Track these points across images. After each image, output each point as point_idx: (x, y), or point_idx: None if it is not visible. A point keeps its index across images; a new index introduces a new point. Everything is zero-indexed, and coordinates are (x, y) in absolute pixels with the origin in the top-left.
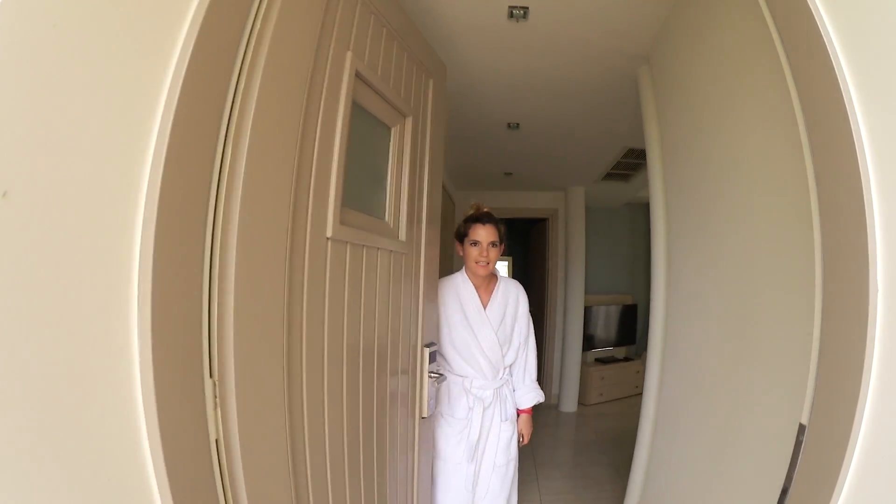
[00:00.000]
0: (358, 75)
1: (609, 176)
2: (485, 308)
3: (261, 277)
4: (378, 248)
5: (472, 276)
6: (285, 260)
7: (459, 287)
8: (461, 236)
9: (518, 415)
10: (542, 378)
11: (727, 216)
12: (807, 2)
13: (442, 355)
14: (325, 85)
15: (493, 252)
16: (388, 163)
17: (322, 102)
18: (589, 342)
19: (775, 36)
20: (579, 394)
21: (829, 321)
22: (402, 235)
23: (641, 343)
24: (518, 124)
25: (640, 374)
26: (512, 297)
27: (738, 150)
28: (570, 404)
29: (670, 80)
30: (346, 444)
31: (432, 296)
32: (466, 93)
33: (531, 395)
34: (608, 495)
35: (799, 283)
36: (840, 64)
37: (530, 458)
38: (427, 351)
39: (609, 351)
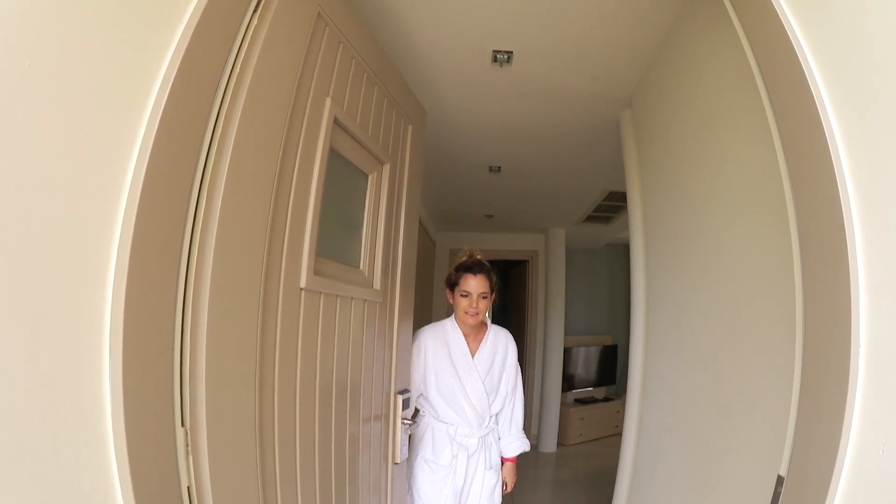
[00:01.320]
0: (336, 122)
1: (590, 218)
2: (473, 356)
3: (233, 328)
4: (352, 298)
5: (462, 324)
6: (258, 310)
7: (448, 334)
8: (452, 284)
9: (503, 463)
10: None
11: (705, 259)
12: (791, 45)
13: (428, 401)
14: (302, 132)
15: (484, 303)
16: (364, 211)
17: (299, 150)
18: (569, 382)
19: (758, 79)
20: (559, 434)
21: (809, 372)
22: (377, 284)
23: (621, 383)
24: (500, 167)
25: (620, 414)
26: (501, 345)
27: (717, 191)
28: (549, 444)
29: (651, 123)
30: (318, 489)
31: (407, 343)
32: (449, 136)
33: (516, 445)
34: None
35: (779, 329)
36: (825, 105)
37: (508, 500)
38: (400, 398)
39: (589, 391)
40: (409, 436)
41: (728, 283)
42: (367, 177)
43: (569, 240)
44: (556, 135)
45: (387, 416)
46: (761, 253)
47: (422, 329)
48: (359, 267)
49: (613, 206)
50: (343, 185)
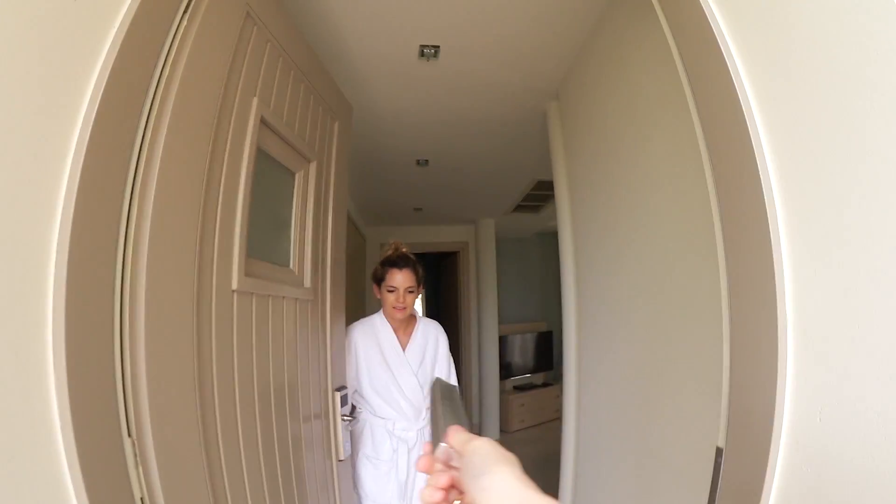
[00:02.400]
0: (263, 122)
1: (519, 208)
2: (404, 350)
3: (170, 333)
4: (284, 297)
5: (390, 318)
6: (193, 314)
7: (378, 329)
8: (378, 280)
9: None
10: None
11: (629, 236)
12: (713, 33)
13: (363, 398)
14: (230, 133)
15: (411, 297)
16: (292, 210)
17: (227, 151)
18: (507, 370)
19: (677, 57)
20: (500, 421)
21: (738, 341)
22: (307, 282)
23: (559, 368)
24: (427, 160)
25: (560, 399)
26: (431, 337)
27: (640, 169)
28: (492, 432)
29: (577, 114)
30: (267, 490)
31: (340, 340)
32: (376, 130)
33: None
34: None
35: (711, 298)
36: (747, 97)
37: None
38: (338, 395)
39: (527, 378)
40: (350, 433)
41: (653, 260)
42: (294, 175)
43: (499, 229)
44: (484, 127)
45: (327, 414)
46: (686, 224)
47: (351, 325)
48: (289, 266)
49: (542, 195)
50: (271, 184)
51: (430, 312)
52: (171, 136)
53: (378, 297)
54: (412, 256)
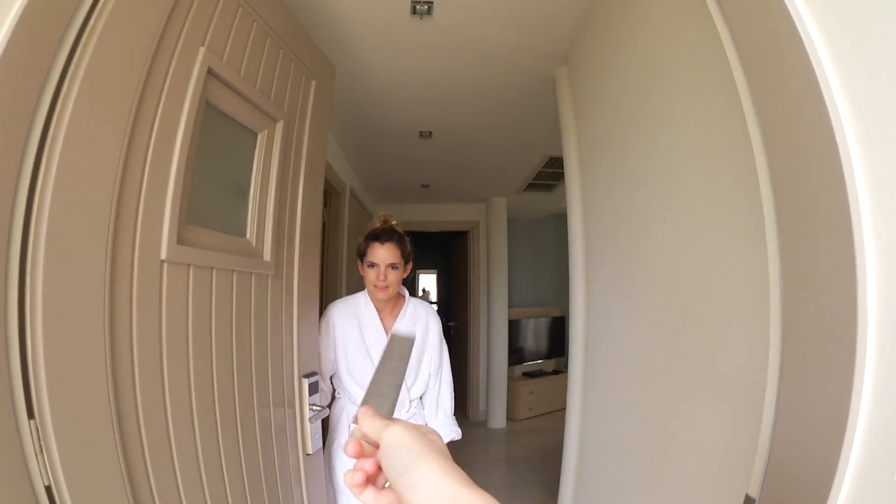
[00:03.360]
0: (212, 73)
1: (531, 186)
2: (387, 333)
3: (72, 306)
4: (234, 271)
5: (374, 298)
6: (104, 286)
7: (360, 309)
8: (361, 255)
9: None
10: (468, 394)
11: (650, 222)
12: None
13: (341, 383)
14: (166, 83)
15: (394, 275)
16: (251, 173)
17: (161, 103)
18: (517, 356)
19: (720, 23)
20: (508, 409)
21: (793, 365)
22: (268, 255)
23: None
24: (430, 132)
25: None
26: (421, 322)
27: (663, 147)
28: (498, 420)
29: (589, 80)
30: (229, 486)
31: (311, 321)
32: (374, 99)
33: (445, 432)
34: None
35: (742, 303)
36: (809, 33)
37: None
38: (306, 382)
39: (538, 364)
40: (327, 420)
41: (675, 245)
42: (255, 135)
43: (511, 210)
44: (488, 96)
45: (292, 403)
46: (718, 204)
47: (331, 304)
48: (245, 236)
49: (555, 172)
50: (225, 144)
51: (441, 292)
52: (89, 82)
53: (361, 272)
54: (399, 230)
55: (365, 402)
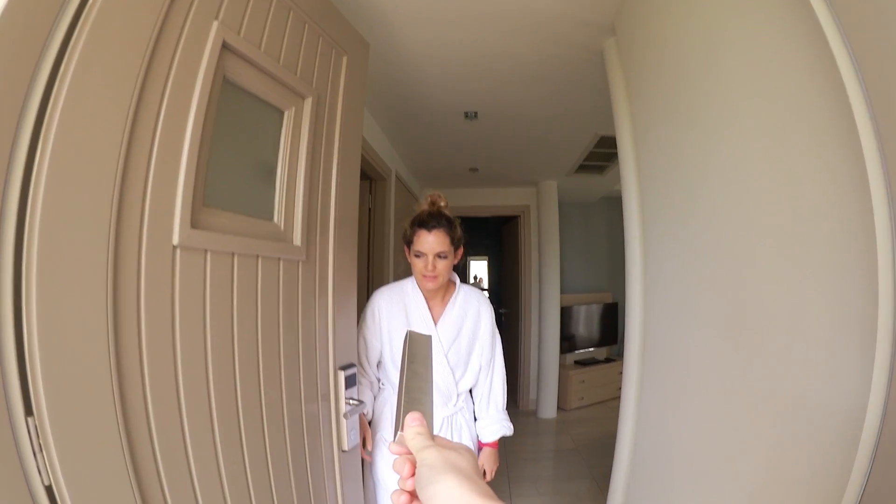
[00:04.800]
0: (228, 48)
1: (582, 168)
2: (436, 323)
3: (70, 296)
4: (258, 256)
5: (422, 287)
6: (107, 276)
7: (407, 297)
8: (407, 240)
9: (480, 448)
10: (519, 383)
11: (714, 215)
12: None
13: (386, 374)
14: (176, 57)
15: (443, 264)
16: (278, 153)
17: (171, 78)
18: (569, 343)
19: None
20: (558, 398)
21: None
22: (297, 239)
23: (623, 343)
24: (476, 113)
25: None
26: (472, 311)
27: (726, 121)
28: (548, 410)
29: (641, 51)
30: (253, 487)
31: (349, 310)
32: (415, 78)
33: (495, 428)
34: None
35: (821, 315)
36: None
37: (504, 472)
38: (342, 374)
39: (590, 352)
40: (373, 409)
41: (746, 250)
42: (281, 113)
43: (562, 193)
44: (533, 72)
45: (327, 397)
46: (797, 208)
47: (377, 290)
48: (272, 220)
49: (606, 153)
50: (248, 122)
51: (492, 278)
52: (89, 53)
53: (409, 260)
54: (447, 213)
55: (405, 412)
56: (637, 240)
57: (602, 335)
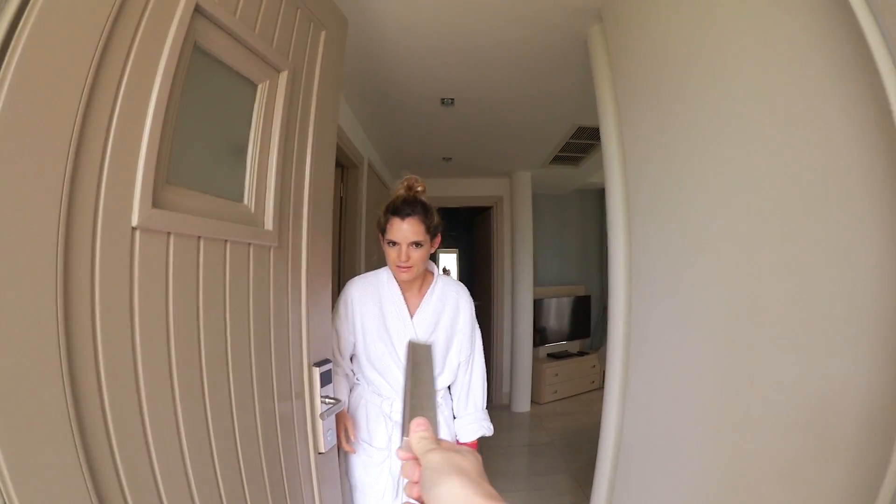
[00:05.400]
0: (201, 11)
1: (557, 159)
2: (412, 316)
3: (10, 286)
4: (227, 241)
5: (398, 278)
6: (56, 263)
7: (382, 287)
8: (381, 229)
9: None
10: (492, 377)
11: (710, 197)
12: None
13: (360, 369)
14: (143, 19)
15: (418, 253)
16: (249, 129)
17: (135, 42)
18: (541, 336)
19: None
20: (532, 392)
21: None
22: (269, 223)
23: (596, 336)
24: (452, 100)
25: (597, 369)
26: (450, 303)
27: (723, 102)
28: (522, 404)
29: (627, 36)
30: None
31: (323, 302)
32: (392, 62)
33: (474, 427)
34: None
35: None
36: None
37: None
38: (317, 371)
39: (563, 346)
40: (347, 406)
41: (748, 239)
42: (255, 87)
43: (536, 184)
44: (513, 58)
45: (301, 395)
46: (810, 187)
47: (350, 281)
48: (242, 201)
49: (583, 144)
50: (219, 94)
51: (463, 271)
52: (49, 8)
53: (382, 250)
54: (424, 199)
55: (410, 417)
56: (621, 230)
57: (575, 328)
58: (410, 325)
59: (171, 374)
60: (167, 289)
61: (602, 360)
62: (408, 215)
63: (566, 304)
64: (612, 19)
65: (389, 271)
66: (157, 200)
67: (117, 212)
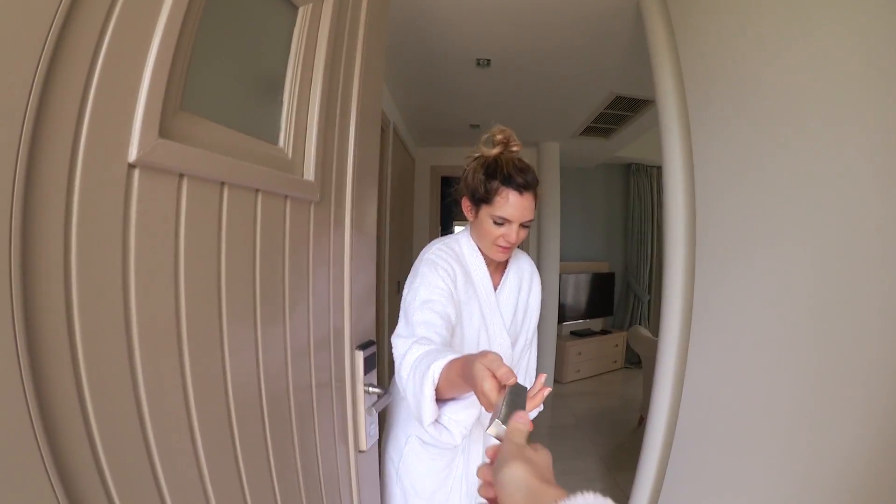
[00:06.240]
0: None
1: (589, 130)
2: (495, 291)
3: None
4: (258, 190)
5: (484, 252)
6: (12, 210)
7: (465, 259)
8: (479, 198)
9: None
10: None
11: (800, 174)
12: None
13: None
14: None
15: (524, 233)
16: (287, 61)
17: None
18: (560, 313)
19: None
20: (555, 371)
21: None
22: (310, 173)
23: (618, 314)
24: (489, 61)
25: (619, 348)
26: (526, 279)
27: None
28: (546, 382)
29: (698, 5)
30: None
31: (366, 273)
32: (427, 19)
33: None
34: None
35: None
36: None
37: None
38: (361, 355)
39: (584, 323)
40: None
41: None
42: (296, 8)
43: (562, 157)
44: (556, 20)
45: (341, 383)
46: None
47: (433, 244)
48: (277, 143)
49: (618, 115)
50: (251, 11)
51: None
52: None
53: (470, 217)
54: (534, 171)
55: (508, 407)
56: (680, 217)
57: (598, 306)
58: (496, 305)
59: (182, 360)
60: (177, 253)
61: (634, 340)
62: (525, 188)
63: (590, 280)
64: None
65: (470, 240)
66: (165, 128)
67: (108, 140)
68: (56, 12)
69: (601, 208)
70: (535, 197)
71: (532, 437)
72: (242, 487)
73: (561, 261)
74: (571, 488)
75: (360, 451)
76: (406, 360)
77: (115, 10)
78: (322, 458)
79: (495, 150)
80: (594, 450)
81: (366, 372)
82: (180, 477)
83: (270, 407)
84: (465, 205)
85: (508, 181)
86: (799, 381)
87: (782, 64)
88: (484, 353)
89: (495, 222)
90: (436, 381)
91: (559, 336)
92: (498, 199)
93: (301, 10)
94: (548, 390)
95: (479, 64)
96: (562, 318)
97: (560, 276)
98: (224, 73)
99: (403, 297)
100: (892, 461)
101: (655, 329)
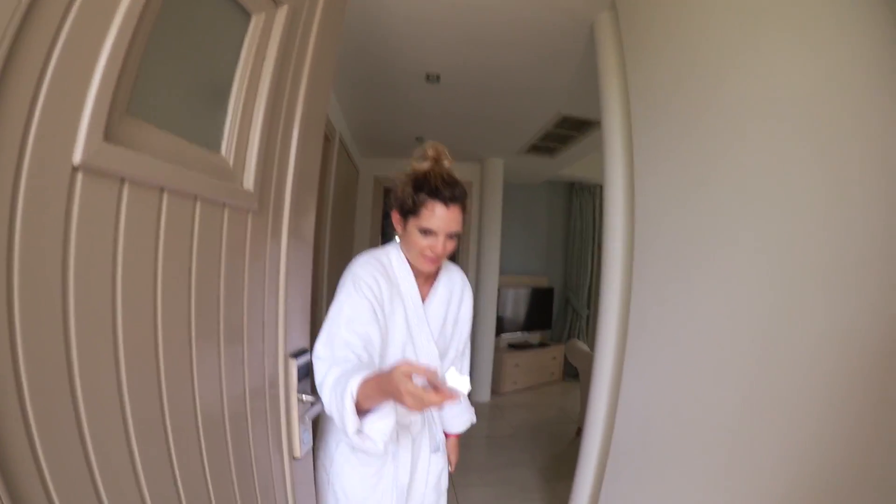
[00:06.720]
0: None
1: (534, 148)
2: (423, 303)
3: None
4: (197, 197)
5: (412, 263)
6: None
7: (393, 270)
8: (406, 210)
9: (447, 438)
10: None
11: (741, 188)
12: None
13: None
14: None
15: (451, 244)
16: (236, 68)
17: None
18: (499, 325)
19: None
20: (492, 382)
21: None
22: (249, 182)
23: (557, 328)
24: (439, 76)
25: (557, 361)
26: (456, 291)
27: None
28: (482, 393)
29: (647, 25)
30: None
31: (302, 282)
32: (380, 32)
33: (464, 418)
34: None
35: None
36: None
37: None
38: (294, 363)
39: (523, 336)
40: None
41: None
42: (248, 17)
43: (506, 173)
44: (510, 39)
45: (275, 391)
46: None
47: (360, 257)
48: (219, 151)
49: (564, 135)
50: (203, 17)
51: None
52: None
53: (398, 230)
54: (461, 184)
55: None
56: (619, 236)
57: (537, 319)
58: (423, 316)
59: (118, 366)
60: (115, 255)
61: (571, 353)
62: (451, 201)
63: (530, 294)
64: (627, 7)
65: (399, 252)
66: (110, 132)
67: (53, 142)
68: (13, 12)
69: (543, 225)
70: (463, 210)
71: (469, 447)
72: (178, 494)
73: (501, 274)
74: (508, 498)
75: (295, 458)
76: (326, 382)
77: (72, 12)
78: (257, 465)
79: (426, 165)
80: (531, 459)
81: (299, 380)
82: (115, 479)
83: (205, 414)
84: (395, 217)
85: (435, 194)
86: (735, 398)
87: (729, 88)
88: (397, 365)
89: (422, 232)
90: (354, 396)
91: (497, 348)
92: (424, 212)
93: (254, 17)
94: (461, 394)
95: (428, 79)
96: (500, 330)
97: (500, 289)
98: (173, 79)
99: (330, 308)
100: (826, 478)
101: (593, 343)
